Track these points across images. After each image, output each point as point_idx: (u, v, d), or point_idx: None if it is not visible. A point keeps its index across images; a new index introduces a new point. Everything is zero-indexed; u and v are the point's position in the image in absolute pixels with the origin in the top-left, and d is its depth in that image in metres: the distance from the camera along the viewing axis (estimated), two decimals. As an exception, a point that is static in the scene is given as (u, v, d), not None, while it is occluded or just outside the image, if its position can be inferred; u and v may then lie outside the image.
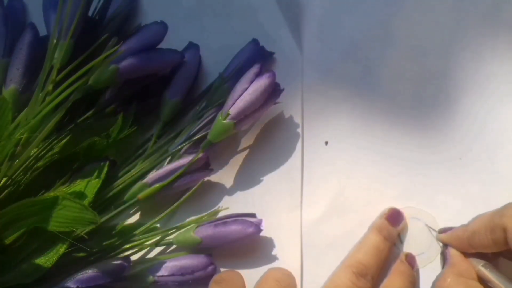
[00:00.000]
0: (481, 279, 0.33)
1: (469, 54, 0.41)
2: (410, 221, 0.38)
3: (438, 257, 0.36)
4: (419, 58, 0.41)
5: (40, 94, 0.36)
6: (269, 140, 0.41)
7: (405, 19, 0.42)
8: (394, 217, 0.37)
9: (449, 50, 0.41)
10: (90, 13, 0.40)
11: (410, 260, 0.35)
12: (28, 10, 0.44)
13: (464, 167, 0.39)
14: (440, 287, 0.33)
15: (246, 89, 0.37)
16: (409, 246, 0.37)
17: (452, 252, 0.35)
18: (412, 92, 0.41)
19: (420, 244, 0.37)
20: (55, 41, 0.37)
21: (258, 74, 0.37)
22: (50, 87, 0.36)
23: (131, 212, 0.40)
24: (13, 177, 0.36)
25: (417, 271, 0.36)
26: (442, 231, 0.36)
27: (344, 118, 0.41)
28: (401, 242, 0.37)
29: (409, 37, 0.41)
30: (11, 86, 0.38)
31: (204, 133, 0.39)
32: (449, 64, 0.41)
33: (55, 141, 0.38)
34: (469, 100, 0.40)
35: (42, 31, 0.40)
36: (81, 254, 0.36)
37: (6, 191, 0.35)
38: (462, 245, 0.34)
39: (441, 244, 0.36)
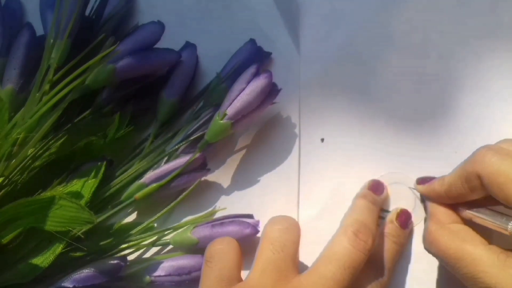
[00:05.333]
0: (473, 223, 0.33)
1: (466, 52, 0.41)
2: (394, 186, 0.38)
3: (420, 221, 0.37)
4: (416, 58, 0.41)
5: (37, 94, 0.36)
6: (266, 140, 0.41)
7: (403, 19, 0.42)
8: (376, 187, 0.38)
9: (447, 49, 0.41)
10: (87, 13, 0.40)
11: (401, 220, 0.36)
12: (25, 10, 0.44)
13: (460, 160, 0.39)
14: (428, 241, 0.33)
15: (244, 89, 0.37)
16: (389, 210, 0.38)
17: (429, 203, 0.35)
18: (407, 90, 0.41)
19: (405, 207, 0.37)
20: (52, 40, 0.37)
21: (256, 74, 0.37)
22: (47, 87, 0.36)
23: (128, 211, 0.40)
24: (10, 177, 0.36)
25: (411, 231, 0.37)
26: (420, 180, 0.37)
27: (341, 118, 0.41)
28: (388, 211, 0.38)
29: (406, 37, 0.41)
30: (8, 86, 0.38)
31: (201, 133, 0.39)
32: (446, 63, 0.41)
33: (52, 141, 0.38)
34: (464, 95, 0.40)
35: (39, 31, 0.40)
36: (78, 254, 0.36)
37: (3, 191, 0.35)
38: (440, 198, 0.34)
39: (418, 195, 0.37)
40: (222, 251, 0.34)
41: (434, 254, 0.33)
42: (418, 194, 0.37)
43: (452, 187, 0.33)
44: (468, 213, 0.33)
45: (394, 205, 0.38)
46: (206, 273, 0.33)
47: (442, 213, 0.34)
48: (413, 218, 0.37)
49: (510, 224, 0.30)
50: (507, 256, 0.29)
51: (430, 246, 0.33)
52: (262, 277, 0.31)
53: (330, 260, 0.32)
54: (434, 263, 0.36)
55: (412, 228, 0.37)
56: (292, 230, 0.33)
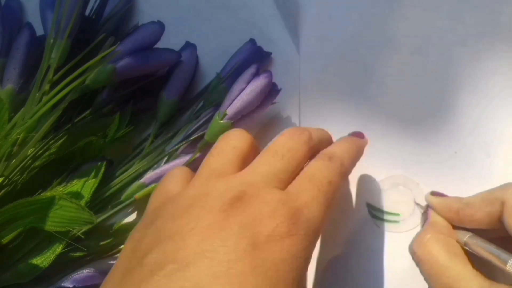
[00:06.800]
0: (468, 251, 0.33)
1: (466, 52, 0.41)
2: (394, 188, 0.38)
3: (419, 224, 0.37)
4: (416, 58, 0.41)
5: (37, 94, 0.36)
6: (266, 140, 0.40)
7: (403, 19, 0.42)
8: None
9: (446, 48, 0.41)
10: (87, 13, 0.40)
11: (357, 134, 0.36)
12: (25, 10, 0.44)
13: (460, 161, 0.39)
14: (420, 242, 0.33)
15: (243, 89, 0.37)
16: (386, 207, 0.38)
17: (434, 212, 0.35)
18: (407, 90, 0.41)
19: (403, 210, 0.38)
20: (52, 40, 0.37)
21: (255, 74, 0.37)
22: (47, 87, 0.36)
23: (128, 211, 0.40)
24: (10, 177, 0.36)
25: (366, 141, 0.37)
26: (434, 193, 0.36)
27: (341, 118, 0.41)
28: (390, 213, 0.38)
29: (407, 36, 0.41)
30: (8, 86, 0.38)
31: (201, 133, 0.39)
32: (446, 62, 0.41)
33: (52, 141, 0.38)
34: (465, 95, 0.40)
35: (39, 31, 0.40)
36: (78, 254, 0.36)
37: (3, 191, 0.35)
38: (449, 214, 0.34)
39: (422, 210, 0.36)
40: (169, 174, 0.33)
41: (418, 256, 0.32)
42: (421, 204, 0.37)
43: (468, 207, 0.33)
44: (469, 240, 0.33)
45: (394, 208, 0.38)
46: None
47: (443, 226, 0.34)
48: (409, 223, 0.37)
49: (511, 261, 0.30)
50: (492, 284, 0.29)
51: (418, 247, 0.32)
52: (195, 181, 0.30)
53: (263, 152, 0.31)
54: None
55: None
56: (233, 138, 0.32)
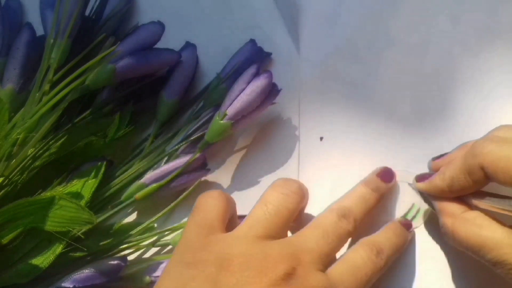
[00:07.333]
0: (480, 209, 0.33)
1: (466, 51, 0.41)
2: (400, 184, 0.38)
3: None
4: (415, 57, 0.41)
5: (37, 94, 0.36)
6: (266, 140, 0.41)
7: (402, 19, 0.42)
8: (385, 175, 0.37)
9: (446, 48, 0.41)
10: (87, 13, 0.40)
11: (405, 224, 0.37)
12: (25, 10, 0.44)
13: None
14: (447, 236, 0.33)
15: (244, 89, 0.37)
16: (399, 209, 0.38)
17: (436, 199, 0.35)
18: (406, 89, 0.41)
19: (415, 201, 0.37)
20: (52, 40, 0.37)
21: (256, 75, 0.37)
22: (47, 87, 0.36)
23: (128, 211, 0.40)
24: (10, 177, 0.36)
25: (412, 235, 0.37)
26: (419, 178, 0.36)
27: (341, 118, 0.41)
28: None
29: (406, 36, 0.41)
30: (8, 86, 0.38)
31: (201, 133, 0.39)
32: (445, 62, 0.41)
33: (52, 141, 0.38)
34: (463, 93, 0.40)
35: (39, 31, 0.40)
36: (78, 254, 0.36)
37: (3, 191, 0.35)
38: (443, 193, 0.34)
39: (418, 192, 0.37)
40: (206, 202, 0.34)
41: (458, 247, 0.33)
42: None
43: (454, 181, 0.33)
44: (473, 202, 0.33)
45: (399, 204, 0.38)
46: (188, 221, 0.33)
47: (451, 205, 0.34)
48: (421, 217, 0.37)
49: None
50: None
51: (452, 241, 0.33)
52: (247, 234, 0.31)
53: (314, 226, 0.33)
54: (438, 261, 0.37)
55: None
56: (291, 198, 0.33)
